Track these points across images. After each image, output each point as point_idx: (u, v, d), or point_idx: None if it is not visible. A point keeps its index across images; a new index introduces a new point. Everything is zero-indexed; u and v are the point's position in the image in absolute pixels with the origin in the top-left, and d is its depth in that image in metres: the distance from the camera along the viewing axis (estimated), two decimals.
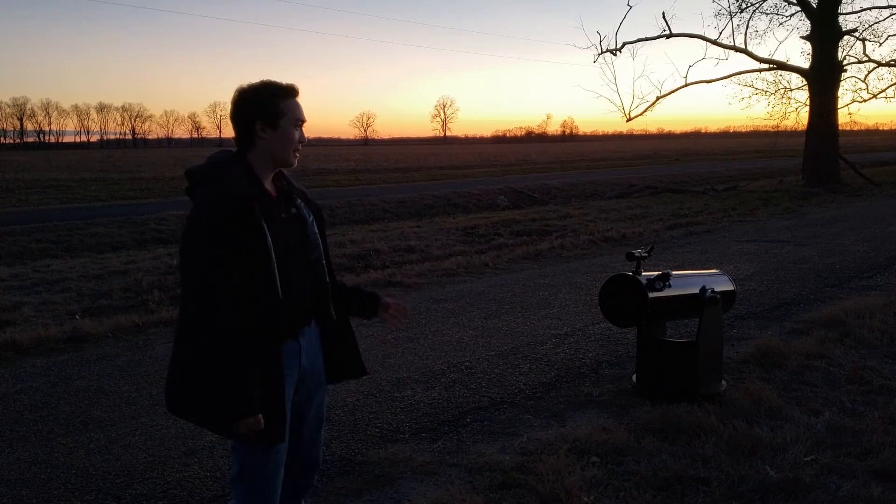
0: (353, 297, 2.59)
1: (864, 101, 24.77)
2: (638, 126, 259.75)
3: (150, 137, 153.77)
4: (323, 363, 2.48)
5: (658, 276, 4.30)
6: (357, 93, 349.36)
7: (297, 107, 2.29)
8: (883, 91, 24.62)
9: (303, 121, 2.31)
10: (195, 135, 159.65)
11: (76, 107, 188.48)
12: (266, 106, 2.24)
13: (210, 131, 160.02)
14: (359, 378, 2.62)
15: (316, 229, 2.41)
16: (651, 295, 4.20)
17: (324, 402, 2.54)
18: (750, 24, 27.89)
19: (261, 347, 2.17)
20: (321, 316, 2.43)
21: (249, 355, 2.13)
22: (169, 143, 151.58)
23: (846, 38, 22.82)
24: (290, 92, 2.28)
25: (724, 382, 4.52)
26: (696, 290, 4.46)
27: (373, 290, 2.66)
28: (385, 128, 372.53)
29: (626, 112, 23.89)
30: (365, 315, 2.63)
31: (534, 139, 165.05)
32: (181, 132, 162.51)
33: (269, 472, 2.31)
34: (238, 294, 2.11)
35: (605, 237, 12.00)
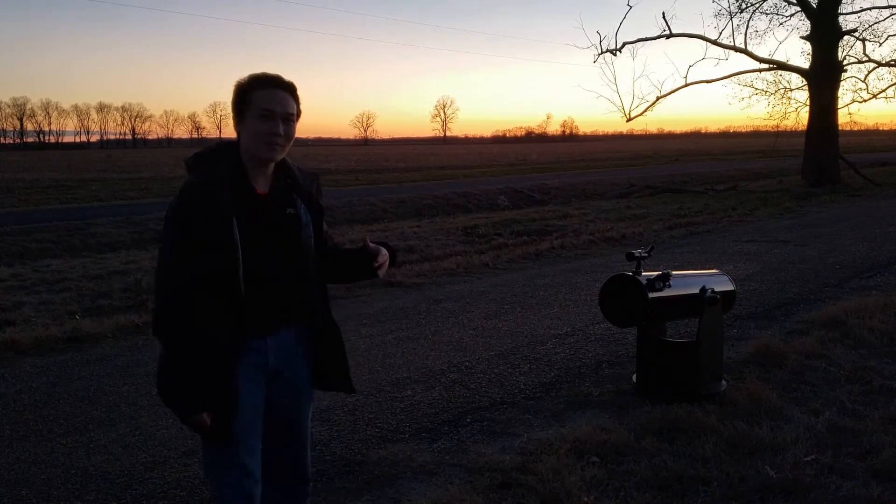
0: (344, 262, 2.43)
1: (864, 101, 24.82)
2: (638, 126, 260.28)
3: (150, 137, 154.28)
4: (309, 370, 2.38)
5: (658, 276, 4.30)
6: (357, 93, 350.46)
7: (267, 97, 2.17)
8: (883, 91, 24.68)
9: (272, 110, 2.16)
10: (195, 135, 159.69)
11: (76, 107, 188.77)
12: (236, 99, 2.20)
13: (210, 131, 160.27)
14: (347, 394, 2.49)
15: (311, 232, 2.31)
16: (651, 295, 4.20)
17: (308, 410, 2.43)
18: (750, 24, 27.93)
19: (216, 342, 2.13)
20: (303, 319, 2.33)
21: (202, 349, 2.11)
22: (169, 143, 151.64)
23: (846, 38, 22.85)
24: (260, 83, 2.18)
25: (724, 382, 4.52)
26: (696, 291, 4.46)
27: (354, 247, 2.43)
28: (385, 128, 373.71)
29: (626, 112, 23.93)
30: (364, 274, 2.39)
31: (534, 139, 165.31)
32: (181, 132, 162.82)
33: (233, 472, 2.23)
34: (196, 285, 2.10)
35: (605, 237, 12.00)
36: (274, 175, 2.28)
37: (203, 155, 2.23)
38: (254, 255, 2.15)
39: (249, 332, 2.19)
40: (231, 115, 2.26)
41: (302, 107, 2.28)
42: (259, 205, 2.21)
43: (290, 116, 2.21)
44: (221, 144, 2.27)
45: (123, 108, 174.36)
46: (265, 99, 2.17)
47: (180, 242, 2.11)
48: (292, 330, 2.32)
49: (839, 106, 22.95)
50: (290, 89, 2.23)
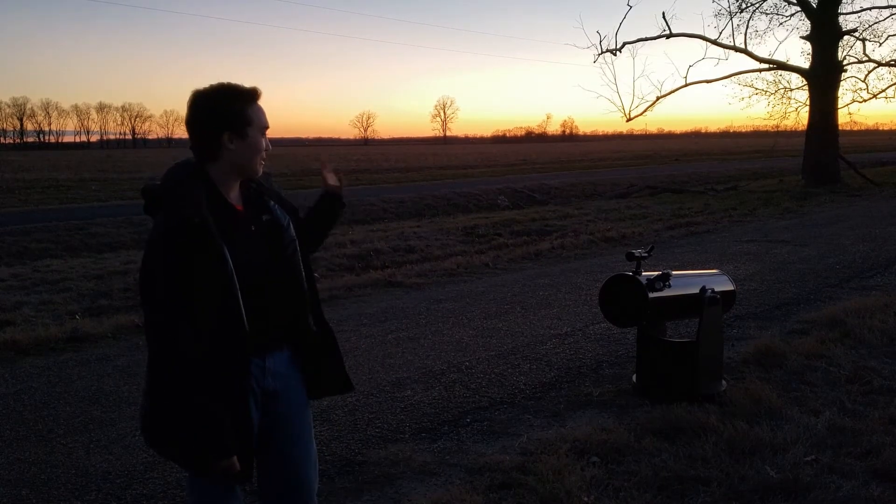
0: (313, 221, 2.45)
1: (864, 101, 24.75)
2: (638, 126, 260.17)
3: (150, 137, 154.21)
4: (303, 380, 2.33)
5: (658, 276, 4.30)
6: (357, 93, 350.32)
7: (262, 112, 2.15)
8: (883, 91, 24.61)
9: (267, 126, 2.18)
10: None
11: (76, 107, 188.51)
12: (234, 114, 2.08)
13: None
14: (344, 394, 2.45)
15: (293, 233, 2.25)
16: (651, 295, 4.20)
17: (309, 424, 2.38)
18: (750, 24, 27.80)
19: (226, 381, 2.05)
20: (297, 332, 2.29)
21: (217, 392, 2.02)
22: (169, 143, 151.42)
23: (846, 38, 22.81)
24: (254, 96, 2.13)
25: (724, 382, 4.52)
26: (696, 290, 4.46)
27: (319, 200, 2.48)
28: (385, 128, 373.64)
29: (626, 112, 23.88)
30: (331, 214, 2.47)
31: (534, 139, 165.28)
32: (181, 132, 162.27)
33: (220, 500, 2.25)
34: (199, 325, 1.99)
35: (605, 237, 12.00)
36: (241, 184, 2.22)
37: (178, 183, 2.07)
38: (248, 277, 2.07)
39: (251, 354, 2.14)
40: (214, 131, 2.08)
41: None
42: (240, 222, 2.14)
43: None
44: (186, 168, 2.13)
45: (123, 108, 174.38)
46: (261, 115, 2.16)
47: (178, 283, 1.97)
48: (288, 348, 2.28)
49: (839, 106, 22.93)
50: None
